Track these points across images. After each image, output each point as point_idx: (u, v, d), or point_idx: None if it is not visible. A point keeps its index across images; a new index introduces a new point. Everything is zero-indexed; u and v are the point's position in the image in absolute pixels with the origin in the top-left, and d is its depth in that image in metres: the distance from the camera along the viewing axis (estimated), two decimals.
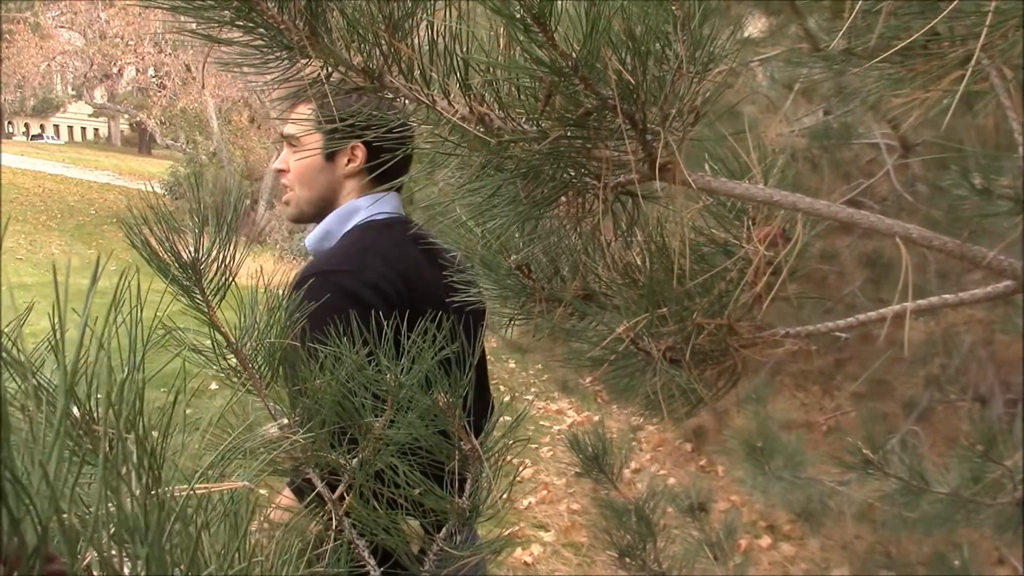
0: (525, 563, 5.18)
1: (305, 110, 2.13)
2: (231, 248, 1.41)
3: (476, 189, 1.11)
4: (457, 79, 1.01)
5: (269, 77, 1.09)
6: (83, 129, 70.70)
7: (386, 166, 2.10)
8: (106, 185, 27.70)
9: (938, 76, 1.13)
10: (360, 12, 1.05)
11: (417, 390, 1.24)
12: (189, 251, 1.38)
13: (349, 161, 2.10)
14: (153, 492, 0.44)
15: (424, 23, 1.04)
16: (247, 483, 0.78)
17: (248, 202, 19.77)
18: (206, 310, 1.38)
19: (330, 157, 2.10)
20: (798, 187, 1.17)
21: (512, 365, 9.73)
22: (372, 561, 1.20)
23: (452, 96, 1.05)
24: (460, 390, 1.22)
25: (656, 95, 0.94)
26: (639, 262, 1.28)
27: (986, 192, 2.31)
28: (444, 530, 1.21)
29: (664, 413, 1.12)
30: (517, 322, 1.42)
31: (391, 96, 1.10)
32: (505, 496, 1.21)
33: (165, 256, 1.35)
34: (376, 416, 1.29)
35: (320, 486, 1.28)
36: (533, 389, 9.12)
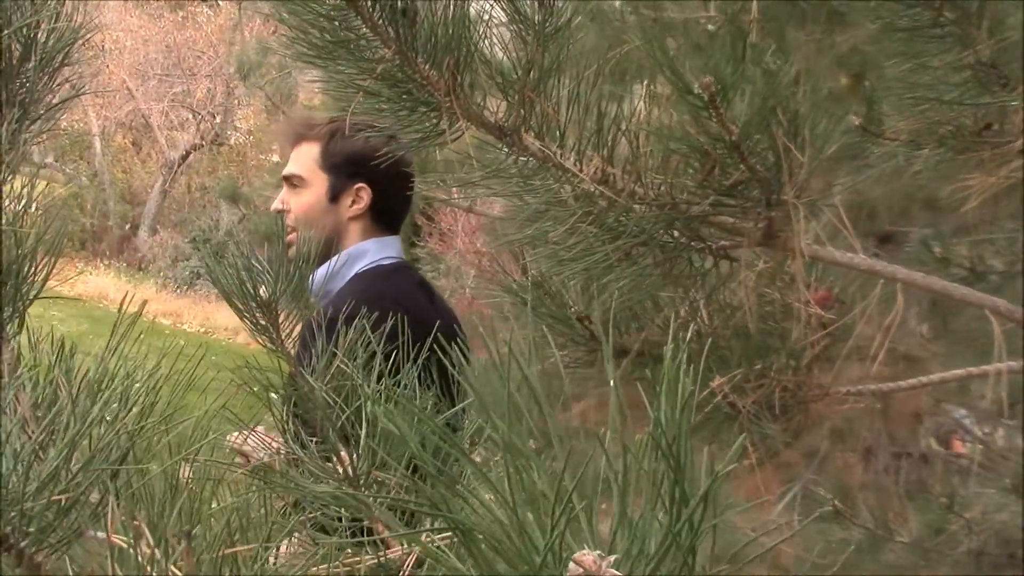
0: None
1: (308, 149, 2.14)
2: (304, 290, 1.43)
3: (593, 251, 1.16)
4: (601, 142, 1.07)
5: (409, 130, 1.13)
6: None
7: (391, 209, 2.13)
8: None
9: (999, 164, 1.26)
10: (503, 73, 1.10)
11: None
12: (265, 291, 1.38)
13: (354, 203, 2.11)
14: None
15: (565, 87, 1.10)
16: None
17: (128, 227, 19.11)
18: (282, 349, 1.39)
19: (335, 198, 2.11)
20: None
21: None
22: None
23: (584, 158, 1.11)
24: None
25: (794, 171, 1.02)
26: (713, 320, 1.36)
27: (944, 260, 2.49)
28: None
29: (754, 460, 1.19)
30: (579, 369, 1.47)
31: (516, 153, 1.15)
32: None
33: (243, 295, 1.35)
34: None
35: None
36: None
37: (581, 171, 1.12)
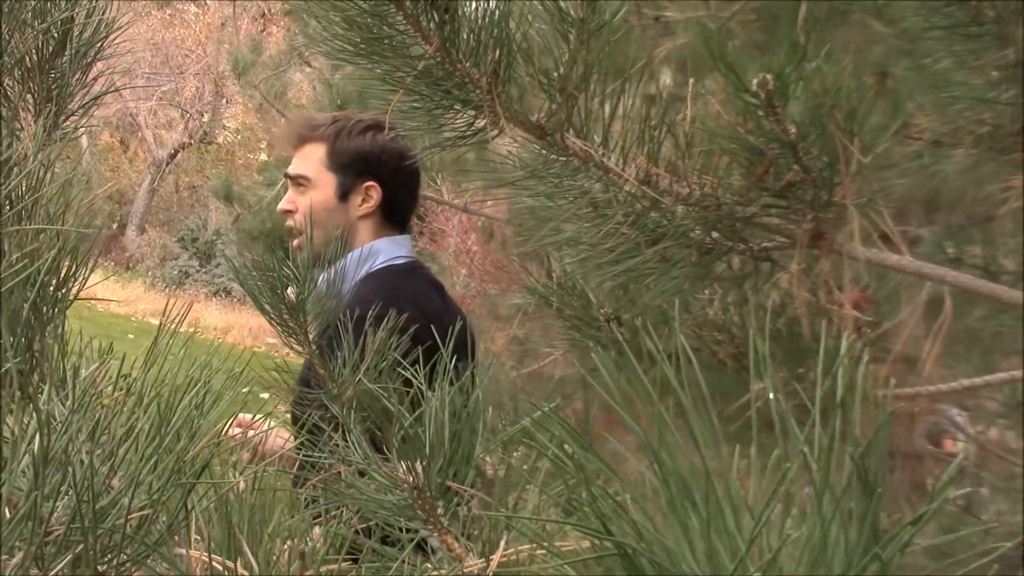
0: None
1: (313, 150, 2.11)
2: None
3: (633, 254, 1.14)
4: (646, 141, 1.05)
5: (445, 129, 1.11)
6: None
7: (401, 206, 2.11)
8: None
9: None
10: (545, 72, 1.07)
11: None
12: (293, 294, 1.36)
13: (364, 201, 2.08)
14: None
15: (609, 85, 1.07)
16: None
17: (115, 226, 18.99)
18: (309, 351, 1.36)
19: (344, 197, 2.08)
20: None
21: None
22: None
23: (628, 159, 1.09)
24: None
25: (849, 171, 1.00)
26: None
27: (957, 260, 2.48)
28: None
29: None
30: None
31: (557, 153, 1.13)
32: None
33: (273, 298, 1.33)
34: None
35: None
36: None
37: (624, 171, 1.10)
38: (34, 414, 0.40)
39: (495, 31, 1.05)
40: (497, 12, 1.05)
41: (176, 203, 19.45)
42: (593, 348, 1.50)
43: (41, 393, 0.50)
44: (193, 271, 16.50)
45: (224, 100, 18.41)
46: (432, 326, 1.90)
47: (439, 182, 4.35)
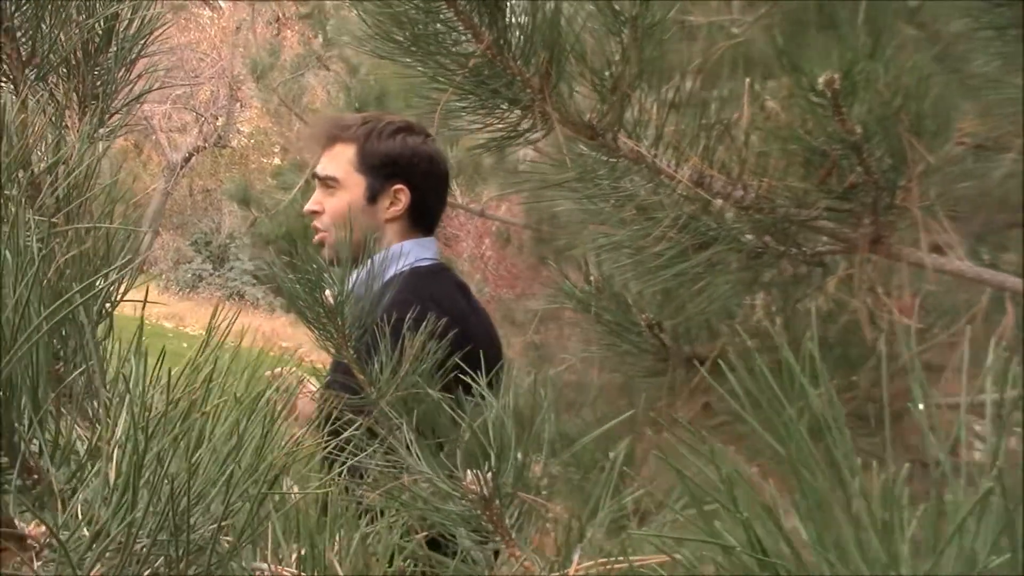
0: None
1: (342, 151, 2.09)
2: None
3: (683, 258, 1.11)
4: (703, 142, 1.02)
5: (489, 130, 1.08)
6: None
7: (429, 210, 2.09)
8: None
9: None
10: (596, 71, 1.05)
11: None
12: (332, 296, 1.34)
13: (392, 204, 2.06)
14: None
15: (667, 87, 1.05)
16: None
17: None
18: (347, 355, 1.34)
19: (373, 200, 2.06)
20: None
21: None
22: None
23: (681, 160, 1.06)
24: None
25: (914, 173, 0.97)
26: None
27: (992, 267, 2.43)
28: None
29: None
30: (649, 381, 1.42)
31: (607, 154, 1.10)
32: None
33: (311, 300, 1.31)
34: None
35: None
36: None
37: (676, 172, 1.07)
38: (128, 422, 0.37)
39: (548, 30, 1.02)
40: (549, 10, 1.03)
41: (190, 207, 19.51)
42: (635, 353, 1.47)
43: (114, 403, 0.48)
44: (206, 274, 16.53)
45: (238, 104, 18.45)
46: (454, 327, 1.88)
47: (454, 186, 4.34)
